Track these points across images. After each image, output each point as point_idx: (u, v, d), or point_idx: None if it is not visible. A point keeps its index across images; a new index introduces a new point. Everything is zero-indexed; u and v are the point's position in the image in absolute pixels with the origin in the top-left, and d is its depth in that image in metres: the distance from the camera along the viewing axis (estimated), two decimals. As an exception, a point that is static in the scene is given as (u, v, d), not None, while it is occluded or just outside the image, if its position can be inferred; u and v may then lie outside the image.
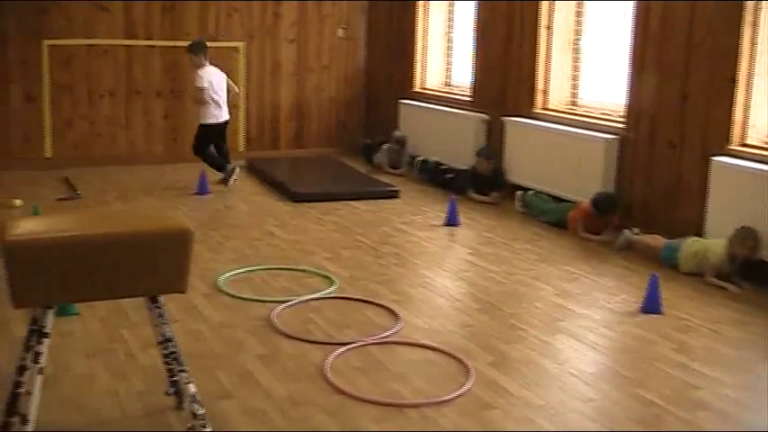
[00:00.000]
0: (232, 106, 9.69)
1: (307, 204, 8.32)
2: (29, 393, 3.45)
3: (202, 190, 8.73)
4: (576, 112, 8.44)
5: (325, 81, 11.21)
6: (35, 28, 9.73)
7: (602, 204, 7.30)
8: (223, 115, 9.13)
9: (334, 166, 10.18)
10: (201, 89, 8.87)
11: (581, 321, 5.33)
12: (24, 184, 9.00)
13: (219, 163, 9.15)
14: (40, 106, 9.86)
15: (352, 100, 11.42)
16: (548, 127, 8.38)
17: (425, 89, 10.79)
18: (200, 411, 3.63)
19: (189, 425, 3.64)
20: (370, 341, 4.87)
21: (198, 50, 8.92)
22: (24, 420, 3.45)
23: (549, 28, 8.54)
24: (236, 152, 10.65)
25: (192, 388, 3.68)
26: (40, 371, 3.45)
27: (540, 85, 8.66)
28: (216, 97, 9.00)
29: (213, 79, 8.99)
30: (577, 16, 8.52)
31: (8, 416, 3.51)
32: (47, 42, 9.79)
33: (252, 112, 10.86)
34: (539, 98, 8.69)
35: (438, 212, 8.08)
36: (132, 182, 9.28)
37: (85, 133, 10.09)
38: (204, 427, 3.62)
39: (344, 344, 4.79)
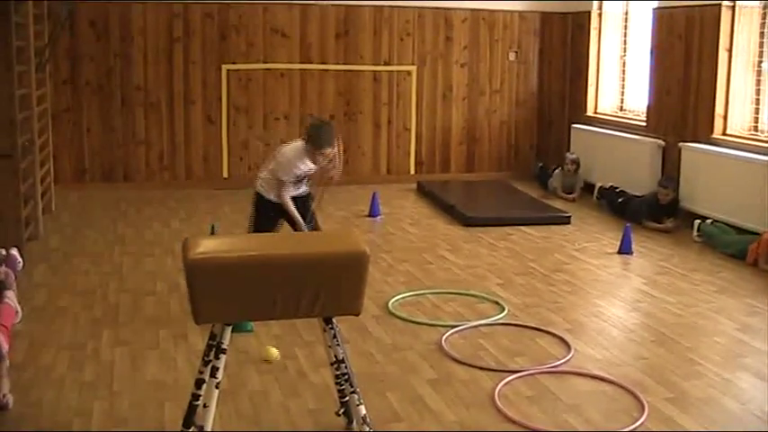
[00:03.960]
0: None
1: (478, 229, 8.28)
2: (206, 406, 3.53)
3: (374, 212, 8.82)
4: (759, 137, 8.09)
5: (497, 104, 11.15)
6: (217, 53, 10.11)
7: None
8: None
9: (506, 191, 10.10)
10: None
11: (765, 359, 5.05)
12: (202, 202, 9.35)
13: None
14: (219, 128, 10.21)
15: (524, 124, 11.31)
16: (727, 153, 8.07)
17: (598, 113, 10.60)
18: (371, 433, 3.64)
19: (359, 446, 3.66)
20: (541, 370, 4.79)
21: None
22: (202, 432, 3.54)
23: (729, 50, 8.25)
24: (407, 175, 10.75)
25: (362, 410, 3.70)
26: (217, 385, 3.53)
27: (719, 109, 8.35)
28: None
29: None
30: (761, 37, 8.18)
31: (185, 426, 3.62)
32: (226, 66, 10.16)
33: (423, 135, 10.91)
34: (718, 123, 8.38)
35: (611, 240, 7.88)
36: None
37: (260, 155, 10.35)
38: (374, 449, 3.63)
39: (515, 371, 4.72)
